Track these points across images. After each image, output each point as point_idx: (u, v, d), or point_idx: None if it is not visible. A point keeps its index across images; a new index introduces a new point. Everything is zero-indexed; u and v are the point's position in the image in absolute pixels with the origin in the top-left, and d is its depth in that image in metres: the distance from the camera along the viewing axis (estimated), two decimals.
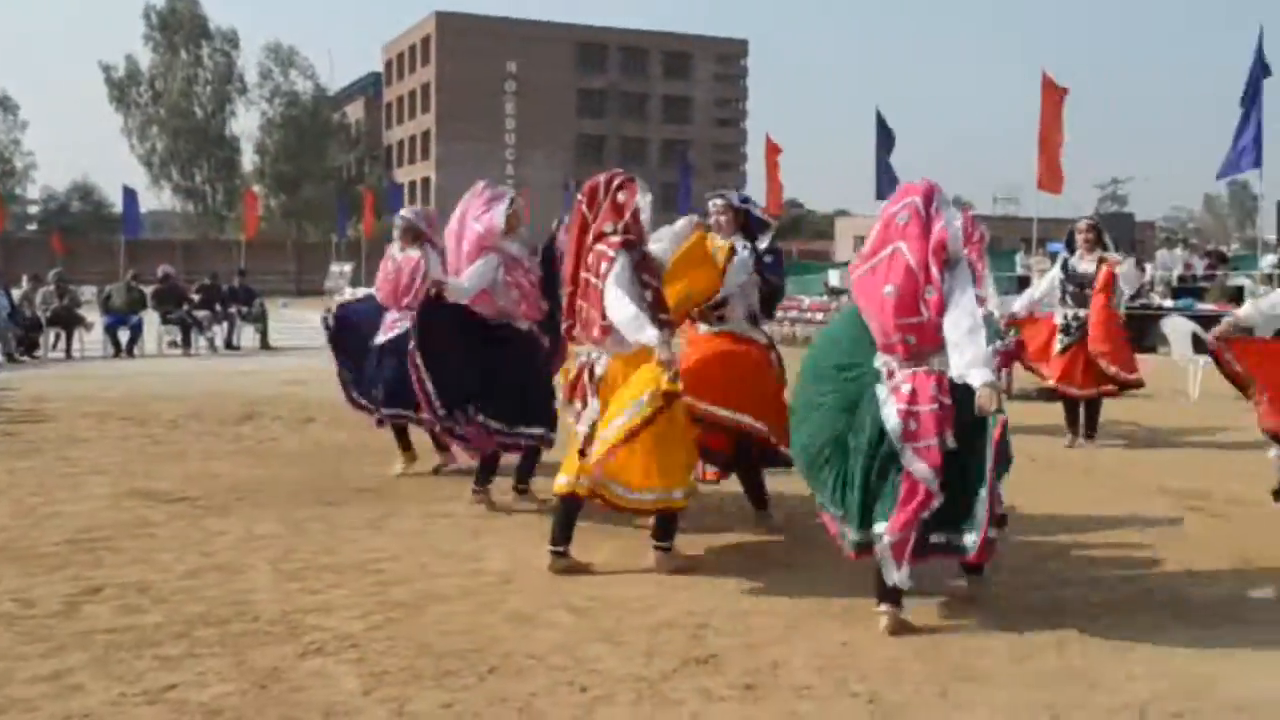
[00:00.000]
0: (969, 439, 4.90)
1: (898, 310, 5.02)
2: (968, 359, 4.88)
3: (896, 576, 4.92)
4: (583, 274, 5.93)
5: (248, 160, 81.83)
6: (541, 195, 50.19)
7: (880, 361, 5.20)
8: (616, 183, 6.02)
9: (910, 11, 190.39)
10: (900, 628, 5.02)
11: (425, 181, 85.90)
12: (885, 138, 22.49)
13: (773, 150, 27.12)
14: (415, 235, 8.59)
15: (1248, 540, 6.72)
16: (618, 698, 4.28)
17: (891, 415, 4.98)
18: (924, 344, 5.03)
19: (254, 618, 5.16)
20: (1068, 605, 5.46)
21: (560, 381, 6.64)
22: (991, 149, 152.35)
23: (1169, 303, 21.17)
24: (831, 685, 4.40)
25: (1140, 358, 10.71)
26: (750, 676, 4.47)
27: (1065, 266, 10.18)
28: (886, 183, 22.60)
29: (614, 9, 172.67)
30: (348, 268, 39.53)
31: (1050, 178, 20.15)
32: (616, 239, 5.85)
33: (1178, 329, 14.52)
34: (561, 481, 5.96)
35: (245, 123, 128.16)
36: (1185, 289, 24.40)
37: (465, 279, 7.14)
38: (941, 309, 4.97)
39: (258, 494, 7.87)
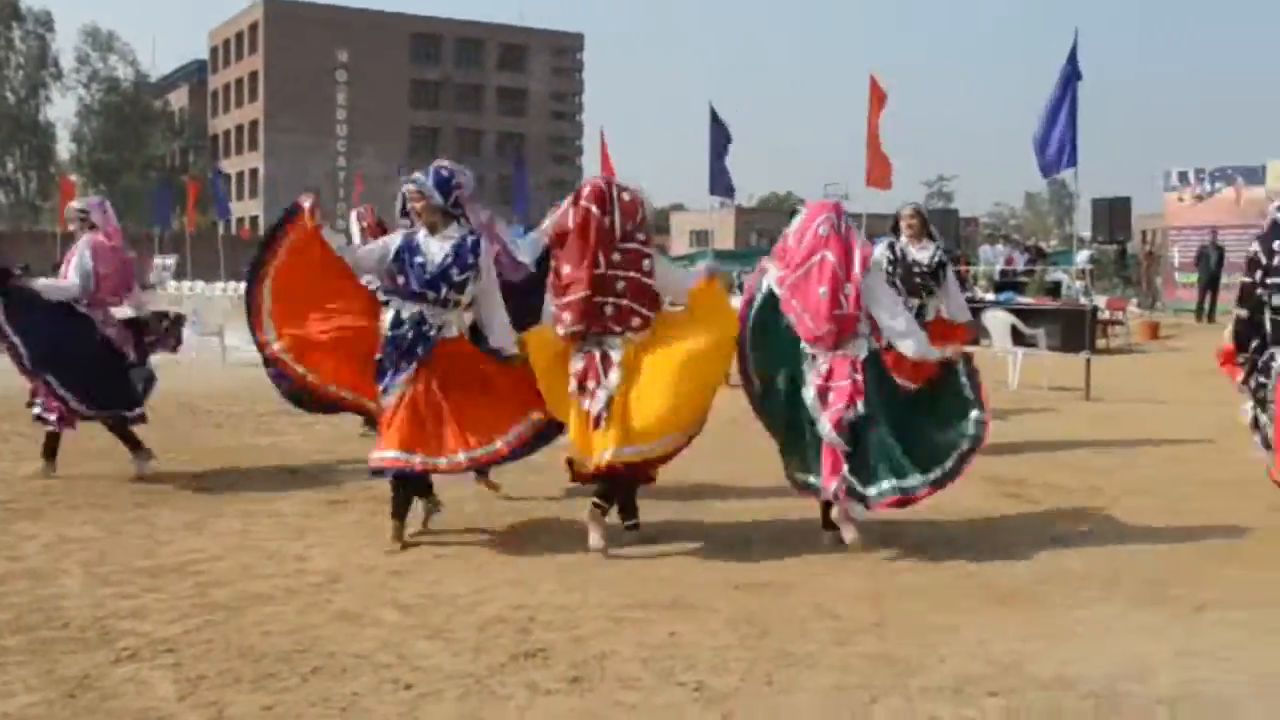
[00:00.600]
0: (921, 407, 6.37)
1: (831, 305, 6.15)
2: (919, 348, 6.40)
3: (856, 512, 6.23)
4: (611, 271, 6.26)
5: (64, 148, 78.80)
6: (374, 187, 49.33)
7: (804, 348, 6.31)
8: (617, 184, 6.46)
9: (743, 8, 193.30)
10: (837, 544, 6.31)
11: (253, 172, 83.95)
12: (719, 133, 22.71)
13: (604, 147, 27.23)
14: (83, 225, 8.35)
15: (1058, 525, 7.01)
16: (444, 694, 4.24)
17: (809, 391, 6.24)
18: (844, 333, 6.22)
19: (64, 624, 4.96)
20: (889, 590, 5.60)
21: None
22: (822, 144, 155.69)
23: (991, 296, 21.90)
24: (658, 675, 4.43)
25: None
26: (577, 669, 4.47)
27: (894, 250, 9.38)
28: (720, 178, 22.78)
29: None
30: (171, 261, 38.31)
31: (878, 174, 20.61)
32: (644, 236, 6.44)
33: (998, 322, 15.05)
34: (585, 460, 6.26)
35: (61, 109, 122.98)
36: (1007, 283, 25.31)
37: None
38: (858, 304, 6.20)
39: (71, 495, 7.56)
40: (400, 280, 6.36)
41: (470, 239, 6.43)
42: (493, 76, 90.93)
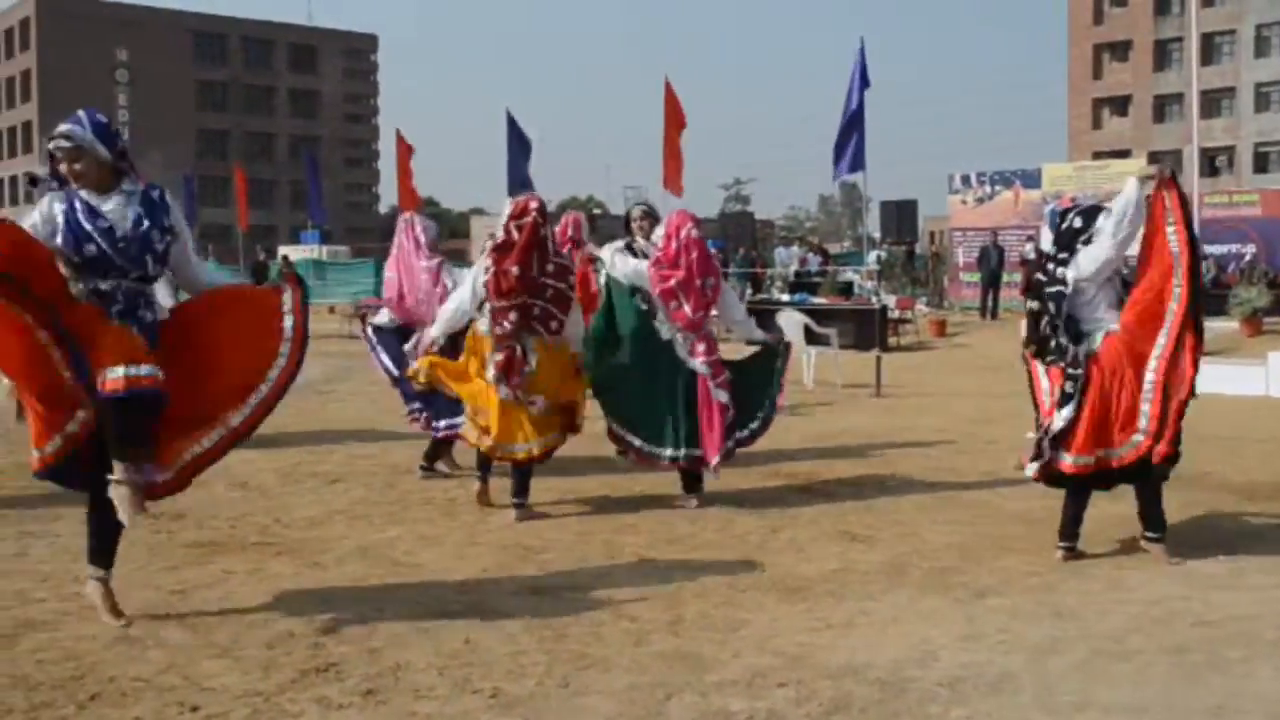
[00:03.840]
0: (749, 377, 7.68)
1: (714, 295, 7.45)
2: (751, 331, 7.91)
3: (713, 474, 7.46)
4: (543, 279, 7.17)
5: None
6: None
7: (670, 333, 7.43)
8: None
9: (538, 10, 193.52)
10: (702, 503, 7.43)
11: (30, 176, 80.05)
12: (517, 138, 22.62)
13: (404, 148, 26.74)
14: None
15: (849, 517, 7.21)
16: (232, 715, 4.10)
17: (701, 365, 7.38)
18: (709, 318, 7.51)
19: None
20: (684, 588, 5.66)
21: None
22: (621, 148, 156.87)
23: (786, 297, 22.42)
24: (453, 684, 4.38)
25: None
26: (371, 682, 4.39)
27: (631, 249, 8.11)
28: (518, 182, 22.65)
29: None
30: None
31: (673, 179, 20.83)
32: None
33: (791, 322, 15.44)
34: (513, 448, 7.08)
35: None
36: (801, 284, 25.96)
37: None
38: (717, 295, 7.51)
39: None
40: (90, 250, 4.85)
41: (155, 192, 5.16)
42: (283, 78, 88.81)
